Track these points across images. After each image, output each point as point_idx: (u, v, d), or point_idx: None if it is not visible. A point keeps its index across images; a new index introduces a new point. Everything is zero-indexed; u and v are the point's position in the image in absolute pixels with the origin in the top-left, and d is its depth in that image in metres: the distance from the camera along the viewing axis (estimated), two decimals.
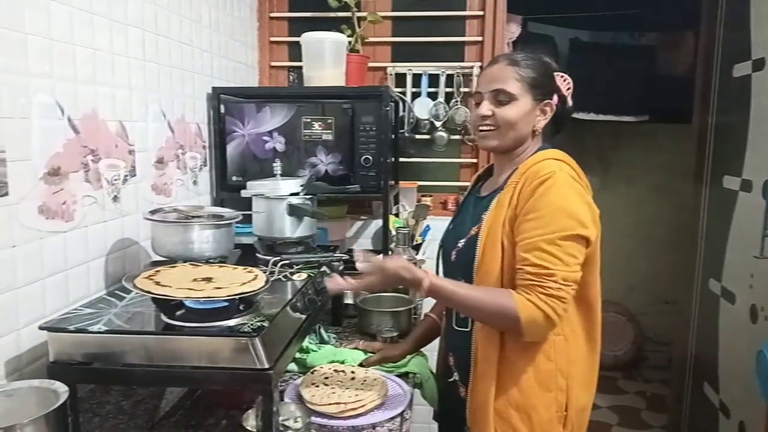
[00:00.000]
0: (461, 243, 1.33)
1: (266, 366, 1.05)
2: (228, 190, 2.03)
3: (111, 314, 1.15)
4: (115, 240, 1.48)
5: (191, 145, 1.91)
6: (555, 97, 1.34)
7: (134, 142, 1.56)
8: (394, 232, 1.97)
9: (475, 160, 2.54)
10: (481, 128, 1.32)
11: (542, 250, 1.17)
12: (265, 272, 1.26)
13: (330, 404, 1.23)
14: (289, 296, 1.28)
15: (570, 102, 1.39)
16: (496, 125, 1.29)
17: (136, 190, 1.57)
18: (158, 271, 1.19)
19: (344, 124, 1.98)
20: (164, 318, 1.11)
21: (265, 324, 1.08)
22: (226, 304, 1.11)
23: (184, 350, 1.06)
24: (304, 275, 1.42)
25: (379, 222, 2.44)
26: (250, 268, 1.24)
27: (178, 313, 1.12)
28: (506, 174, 1.32)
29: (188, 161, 1.89)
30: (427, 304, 1.69)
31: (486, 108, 1.30)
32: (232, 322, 1.10)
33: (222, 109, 2.02)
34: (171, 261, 1.41)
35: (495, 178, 1.39)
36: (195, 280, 1.15)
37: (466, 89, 2.48)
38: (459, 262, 1.33)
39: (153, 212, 1.43)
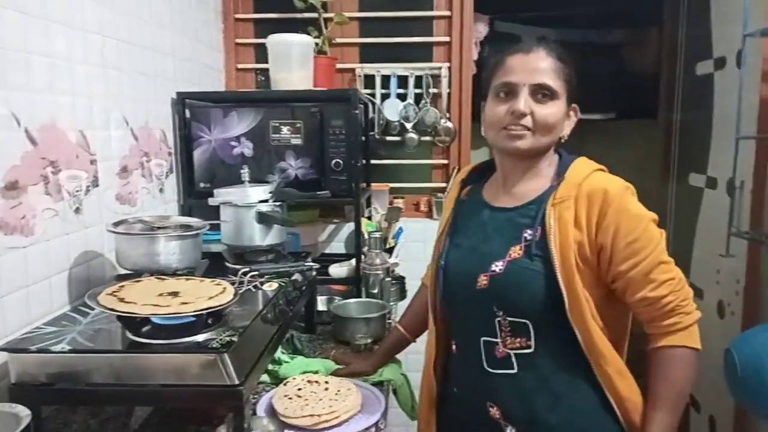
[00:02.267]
0: (498, 266, 1.13)
1: (236, 382, 1.03)
2: (196, 197, 1.99)
3: (75, 332, 1.11)
4: (78, 253, 1.44)
5: (156, 152, 1.87)
6: None
7: (96, 152, 1.51)
8: (366, 236, 1.96)
9: (446, 161, 2.54)
10: (511, 127, 1.12)
11: (657, 282, 1.08)
12: (234, 284, 1.23)
13: (304, 416, 1.21)
14: (260, 307, 1.25)
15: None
16: (532, 125, 1.11)
17: (99, 201, 1.52)
18: (122, 286, 1.16)
19: (313, 128, 1.95)
20: (129, 335, 1.08)
21: (234, 339, 1.06)
22: (193, 319, 1.08)
23: (151, 368, 1.03)
24: (275, 285, 1.40)
25: (352, 225, 2.43)
26: (218, 281, 1.22)
27: (144, 329, 1.09)
28: (532, 183, 1.18)
29: (153, 169, 1.85)
30: (402, 309, 1.68)
31: (524, 104, 1.10)
32: (200, 338, 1.07)
33: (187, 114, 1.98)
34: (137, 274, 1.37)
35: (512, 188, 1.20)
36: (161, 294, 1.12)
37: (435, 90, 2.48)
38: (496, 290, 1.13)
39: (117, 224, 1.39)
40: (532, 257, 1.11)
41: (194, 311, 1.05)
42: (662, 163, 2.73)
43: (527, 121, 1.11)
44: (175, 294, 1.12)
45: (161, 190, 1.90)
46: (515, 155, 1.16)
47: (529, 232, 1.13)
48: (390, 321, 1.83)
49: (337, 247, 2.49)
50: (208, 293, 1.13)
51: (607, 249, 1.08)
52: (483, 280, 1.14)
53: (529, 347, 1.12)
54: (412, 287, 2.04)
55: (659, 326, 1.10)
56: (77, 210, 1.43)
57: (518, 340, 1.13)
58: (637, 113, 3.32)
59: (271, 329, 1.26)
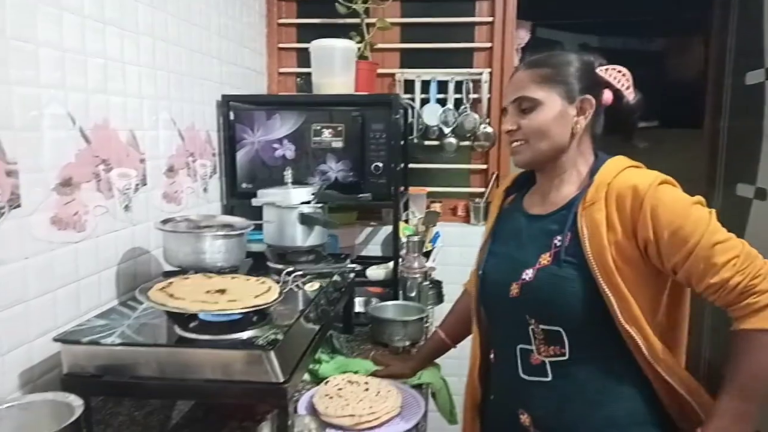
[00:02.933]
0: (528, 274, 1.12)
1: (281, 379, 1.04)
2: (238, 197, 2.02)
3: (124, 326, 1.14)
4: (126, 249, 1.47)
5: (201, 152, 1.90)
6: (606, 93, 1.16)
7: (145, 151, 1.55)
8: (404, 240, 1.96)
9: (484, 166, 2.53)
10: (512, 144, 1.18)
11: (717, 265, 1.01)
12: (277, 282, 1.25)
13: (344, 416, 1.22)
14: (302, 307, 1.26)
15: (631, 97, 1.18)
16: (524, 138, 1.14)
17: (147, 199, 1.56)
18: (171, 282, 1.18)
19: (354, 132, 1.97)
20: (177, 330, 1.10)
21: (279, 336, 1.07)
22: (239, 316, 1.09)
23: (197, 363, 1.05)
24: (316, 285, 1.41)
25: (389, 228, 2.43)
26: (263, 279, 1.23)
27: (192, 325, 1.11)
28: (563, 189, 1.17)
29: (198, 169, 1.88)
30: (439, 314, 1.68)
31: (509, 122, 1.16)
32: (245, 335, 1.09)
33: (231, 116, 2.02)
34: (183, 271, 1.40)
35: (546, 195, 1.20)
36: (208, 291, 1.14)
37: (475, 95, 2.47)
38: (527, 298, 1.12)
39: (164, 222, 1.42)
40: (561, 264, 1.09)
41: (242, 309, 1.06)
42: (707, 172, 2.67)
43: (519, 134, 1.15)
44: (222, 291, 1.14)
45: (205, 190, 1.93)
46: (528, 167, 1.21)
47: (558, 238, 1.11)
48: (427, 324, 1.82)
49: (374, 249, 2.50)
50: (254, 291, 1.14)
51: (652, 243, 1.04)
52: (515, 289, 1.14)
53: (563, 355, 1.11)
54: (449, 292, 2.04)
55: (735, 310, 1.02)
56: (126, 207, 1.47)
57: (552, 348, 1.12)
58: (681, 122, 3.25)
59: (314, 329, 1.27)
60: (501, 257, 1.22)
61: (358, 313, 1.90)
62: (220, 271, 1.38)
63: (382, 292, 2.09)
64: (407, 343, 1.63)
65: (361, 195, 1.71)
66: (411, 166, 2.48)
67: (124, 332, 1.11)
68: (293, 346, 1.14)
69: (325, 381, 1.37)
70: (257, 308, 1.08)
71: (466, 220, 2.56)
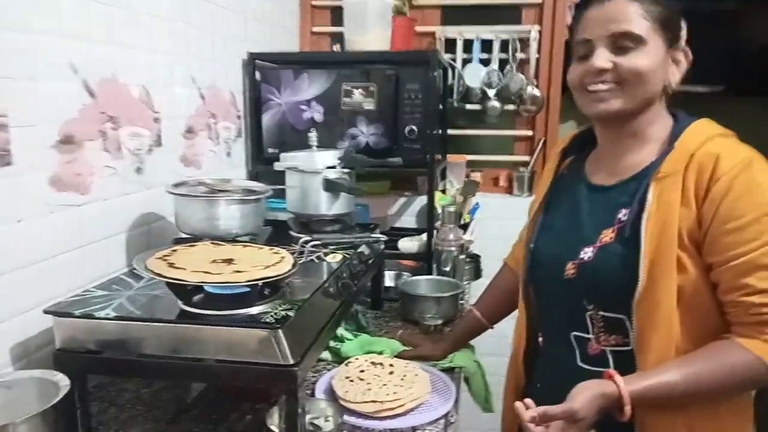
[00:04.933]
0: (587, 253, 0.98)
1: (291, 362, 0.92)
2: (264, 162, 1.90)
3: (124, 297, 1.03)
4: (138, 214, 1.37)
5: (224, 114, 1.79)
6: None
7: (160, 110, 1.44)
8: (440, 210, 1.81)
9: (530, 133, 2.35)
10: (592, 87, 0.97)
11: (752, 288, 0.87)
12: (294, 253, 1.12)
13: (365, 402, 1.10)
14: (322, 280, 1.14)
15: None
16: (619, 80, 0.95)
17: (162, 161, 1.45)
18: (175, 250, 1.07)
19: (387, 92, 1.81)
20: (180, 304, 0.99)
21: (291, 313, 0.95)
22: (247, 289, 0.98)
23: (199, 341, 0.94)
24: (339, 256, 1.29)
25: (424, 199, 2.28)
26: (277, 249, 1.11)
27: (196, 298, 1.00)
28: (637, 154, 0.99)
29: (221, 131, 1.77)
30: (476, 290, 1.53)
31: (604, 58, 0.94)
32: (254, 310, 0.97)
33: (257, 76, 1.89)
34: (195, 238, 1.29)
35: (616, 161, 1.02)
36: (214, 261, 1.02)
37: (522, 55, 2.27)
38: (585, 281, 0.98)
39: (177, 185, 1.31)
40: (624, 242, 0.94)
41: (247, 281, 0.94)
42: None
43: (610, 76, 0.95)
44: (229, 261, 1.03)
45: (228, 154, 1.82)
46: (605, 121, 1.01)
47: (624, 212, 0.96)
48: (462, 302, 1.68)
49: (408, 221, 2.36)
50: (265, 262, 1.02)
51: (705, 226, 0.89)
52: (571, 269, 1.00)
53: (627, 345, 0.96)
54: (487, 267, 1.89)
55: (745, 329, 0.90)
56: (138, 170, 1.37)
57: (613, 337, 0.97)
58: (751, 89, 2.96)
59: (333, 304, 1.15)
60: (556, 232, 1.08)
61: (388, 287, 1.77)
62: (235, 240, 1.27)
63: (414, 266, 1.96)
64: (439, 321, 1.50)
65: (390, 160, 1.56)
66: (450, 132, 2.31)
67: (122, 305, 1.01)
68: (307, 324, 1.02)
69: (346, 362, 1.25)
70: (265, 280, 0.95)
71: (509, 191, 2.39)
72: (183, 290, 0.99)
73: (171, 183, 1.37)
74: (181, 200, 1.28)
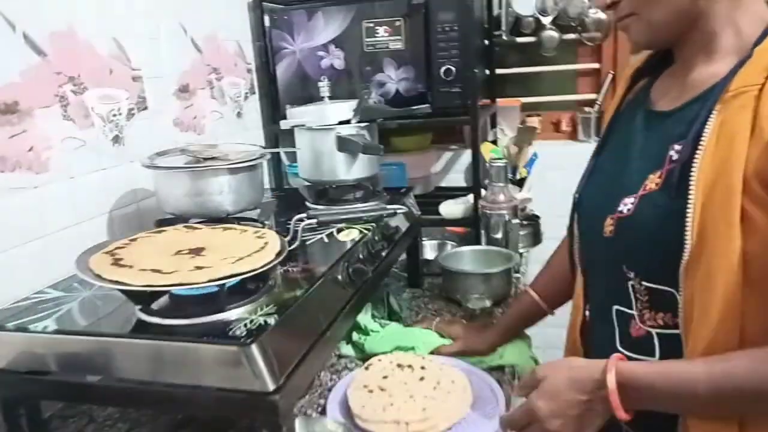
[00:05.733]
0: (627, 205, 0.75)
1: (269, 388, 0.68)
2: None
3: (77, 302, 0.83)
4: (121, 193, 1.17)
5: (230, 68, 1.54)
6: None
7: (140, 66, 1.21)
8: (488, 165, 1.52)
9: (596, 65, 1.99)
10: (618, 23, 0.80)
11: None
12: (287, 236, 0.88)
13: (386, 422, 0.86)
14: (324, 267, 0.89)
15: None
16: (630, 10, 0.76)
17: (148, 127, 1.23)
18: (134, 239, 0.85)
19: (417, 27, 1.51)
20: (137, 311, 0.77)
21: (272, 320, 0.71)
22: (215, 289, 0.74)
23: (156, 360, 0.72)
24: (354, 233, 1.04)
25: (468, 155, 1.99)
26: (263, 231, 0.87)
27: (158, 303, 0.78)
28: (708, 66, 0.73)
29: (227, 88, 1.53)
30: (533, 266, 1.25)
31: None
32: (227, 316, 0.74)
33: (267, 21, 1.63)
34: (181, 218, 1.07)
35: (685, 77, 0.76)
36: (179, 253, 0.79)
37: None
38: (623, 242, 0.76)
39: (154, 156, 1.08)
40: (672, 190, 0.70)
41: (207, 281, 0.71)
42: None
43: (624, 6, 0.76)
44: (197, 252, 0.79)
45: (239, 115, 1.59)
46: (643, 47, 0.82)
47: (677, 148, 0.71)
48: (518, 275, 1.40)
49: (456, 179, 2.07)
50: (243, 250, 0.78)
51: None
52: (609, 225, 0.77)
53: (676, 326, 0.71)
54: (549, 231, 1.60)
55: None
56: (116, 139, 1.15)
57: (660, 315, 0.74)
58: None
59: (340, 299, 0.91)
60: (604, 176, 0.85)
61: (429, 260, 1.51)
62: (226, 219, 1.04)
63: (463, 233, 1.69)
64: (488, 303, 1.23)
65: (417, 107, 1.27)
66: (499, 71, 1.99)
67: (70, 313, 0.80)
68: (298, 332, 0.78)
69: (366, 364, 1.01)
70: (231, 279, 0.72)
71: (573, 136, 2.05)
72: (142, 294, 0.77)
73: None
74: (160, 174, 1.06)
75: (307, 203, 1.27)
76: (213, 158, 1.08)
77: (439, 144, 2.04)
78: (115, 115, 1.15)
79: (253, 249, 0.79)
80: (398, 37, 1.53)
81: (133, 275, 0.71)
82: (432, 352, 1.07)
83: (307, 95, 1.62)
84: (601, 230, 0.78)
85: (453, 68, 1.50)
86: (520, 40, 1.99)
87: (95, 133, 1.10)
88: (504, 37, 1.97)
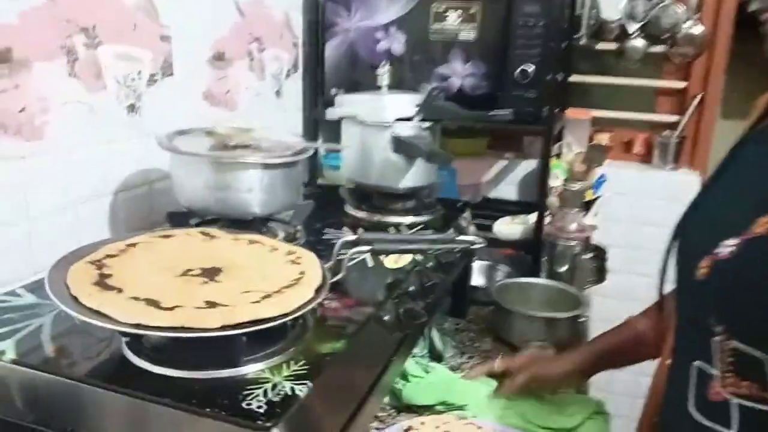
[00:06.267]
0: (728, 247, 0.62)
1: None
2: (325, 106, 1.45)
3: (50, 316, 0.64)
4: (130, 171, 0.98)
5: (274, 39, 1.34)
6: None
7: (170, 24, 1.02)
8: (559, 185, 1.30)
9: (683, 84, 1.75)
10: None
11: None
12: (329, 261, 0.68)
13: None
14: (370, 308, 0.69)
15: None
16: None
17: (171, 97, 1.04)
18: (131, 246, 0.65)
19: (495, 17, 1.30)
20: (124, 349, 0.58)
21: (301, 389, 0.52)
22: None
23: (142, 424, 0.53)
24: (405, 258, 0.83)
25: (531, 163, 1.78)
26: (297, 253, 0.67)
27: (150, 341, 0.58)
28: None
29: (268, 62, 1.33)
30: (596, 307, 1.04)
31: None
32: (246, 371, 0.54)
33: None
34: (197, 214, 0.88)
35: None
36: (187, 272, 0.60)
37: None
38: (716, 288, 0.63)
39: (174, 135, 0.89)
40: None
41: (220, 326, 0.51)
42: None
43: None
44: (212, 275, 0.60)
45: (278, 93, 1.39)
46: None
47: None
48: (584, 319, 1.19)
49: (507, 191, 1.85)
50: (271, 281, 0.59)
51: None
52: (703, 267, 0.63)
53: (764, 400, 0.58)
54: (615, 265, 1.39)
55: None
56: (132, 108, 0.96)
57: (746, 383, 0.60)
58: None
59: (386, 346, 0.71)
60: (704, 212, 0.72)
61: (477, 288, 1.30)
62: (251, 222, 0.85)
63: (514, 254, 1.48)
64: (551, 353, 1.02)
65: (495, 112, 1.06)
66: (572, 79, 1.76)
67: (39, 332, 0.61)
68: (336, 399, 0.58)
69: (402, 428, 0.81)
70: (254, 325, 0.52)
71: (646, 159, 1.82)
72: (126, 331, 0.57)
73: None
74: (176, 159, 0.86)
75: (347, 207, 1.07)
76: (244, 146, 0.88)
77: (494, 150, 1.83)
78: (133, 80, 0.96)
79: (285, 281, 0.59)
80: (471, 26, 1.32)
81: (120, 305, 0.52)
82: (498, 390, 0.86)
83: (355, 80, 1.43)
84: (692, 272, 0.64)
85: (530, 69, 1.29)
86: (600, 46, 1.77)
87: (106, 97, 0.91)
88: (582, 41, 1.74)
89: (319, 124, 1.50)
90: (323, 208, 1.09)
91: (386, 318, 0.72)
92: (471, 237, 0.81)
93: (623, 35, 1.73)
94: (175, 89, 1.04)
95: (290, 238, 0.86)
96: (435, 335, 1.06)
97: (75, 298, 0.53)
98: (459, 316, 1.23)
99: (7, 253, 0.78)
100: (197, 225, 0.86)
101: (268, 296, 0.55)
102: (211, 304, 0.53)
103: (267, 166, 0.83)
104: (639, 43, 1.72)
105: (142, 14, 0.96)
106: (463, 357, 1.08)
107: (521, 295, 1.17)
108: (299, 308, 0.55)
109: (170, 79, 1.03)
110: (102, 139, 0.91)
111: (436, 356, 1.04)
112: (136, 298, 0.53)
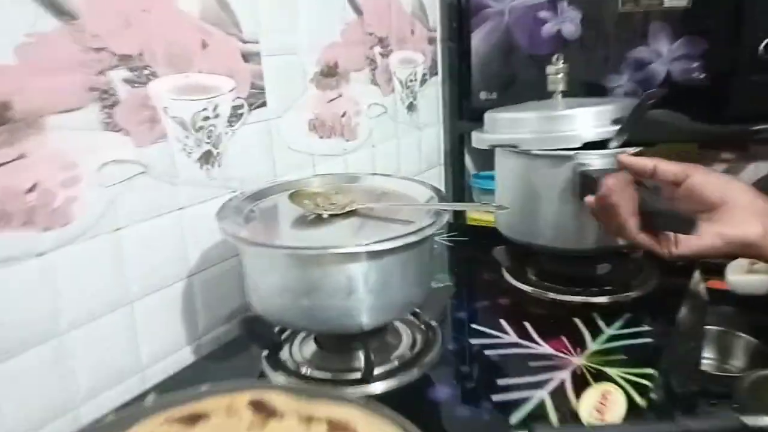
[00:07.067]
0: None
1: None
2: (471, 117, 1.12)
3: None
4: (206, 246, 0.72)
5: (402, 37, 1.03)
6: None
7: (256, 34, 0.75)
8: None
9: None
10: None
11: None
12: None
13: None
14: None
15: None
16: None
17: (267, 131, 0.77)
18: None
19: None
20: None
21: None
22: None
23: None
24: (620, 401, 0.48)
25: (759, 167, 1.30)
26: None
27: None
28: None
29: (397, 68, 1.01)
30: None
31: None
32: None
33: None
34: (277, 326, 0.60)
35: None
36: None
37: None
38: None
39: (226, 204, 0.61)
40: None
41: None
42: None
43: None
44: None
45: (411, 107, 1.08)
46: None
47: None
48: None
49: None
50: None
51: None
52: None
53: None
54: None
55: None
56: (206, 159, 0.70)
57: None
58: None
59: None
60: None
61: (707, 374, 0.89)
62: (361, 333, 0.55)
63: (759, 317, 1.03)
64: None
65: (763, 127, 0.64)
66: None
67: None
68: None
69: None
70: None
71: None
72: None
73: (284, 176, 0.69)
74: (241, 245, 0.58)
75: (505, 273, 0.74)
76: (346, 214, 0.58)
77: (706, 150, 1.35)
78: (207, 118, 0.70)
79: None
80: None
81: None
82: None
83: (517, 79, 1.07)
84: None
85: None
86: None
87: (168, 148, 0.66)
88: None
89: (465, 140, 1.17)
90: (473, 272, 0.76)
91: None
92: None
93: None
94: (266, 122, 0.78)
95: (418, 353, 0.55)
96: None
97: None
98: None
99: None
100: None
101: None
102: None
103: (374, 255, 0.52)
104: None
105: (216, 28, 0.70)
106: None
107: None
108: None
109: (260, 111, 0.77)
110: (167, 206, 0.67)
111: None
112: None
